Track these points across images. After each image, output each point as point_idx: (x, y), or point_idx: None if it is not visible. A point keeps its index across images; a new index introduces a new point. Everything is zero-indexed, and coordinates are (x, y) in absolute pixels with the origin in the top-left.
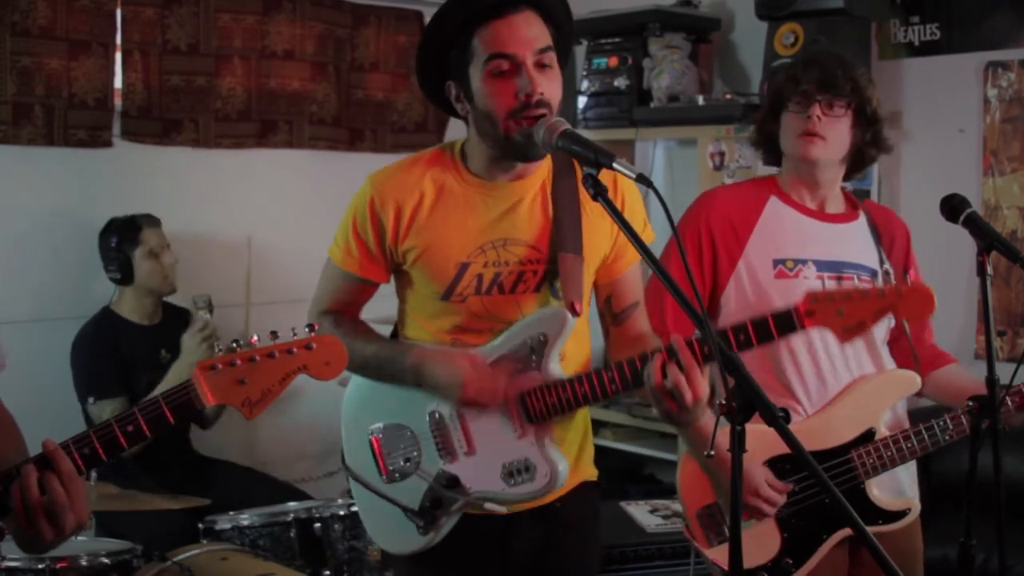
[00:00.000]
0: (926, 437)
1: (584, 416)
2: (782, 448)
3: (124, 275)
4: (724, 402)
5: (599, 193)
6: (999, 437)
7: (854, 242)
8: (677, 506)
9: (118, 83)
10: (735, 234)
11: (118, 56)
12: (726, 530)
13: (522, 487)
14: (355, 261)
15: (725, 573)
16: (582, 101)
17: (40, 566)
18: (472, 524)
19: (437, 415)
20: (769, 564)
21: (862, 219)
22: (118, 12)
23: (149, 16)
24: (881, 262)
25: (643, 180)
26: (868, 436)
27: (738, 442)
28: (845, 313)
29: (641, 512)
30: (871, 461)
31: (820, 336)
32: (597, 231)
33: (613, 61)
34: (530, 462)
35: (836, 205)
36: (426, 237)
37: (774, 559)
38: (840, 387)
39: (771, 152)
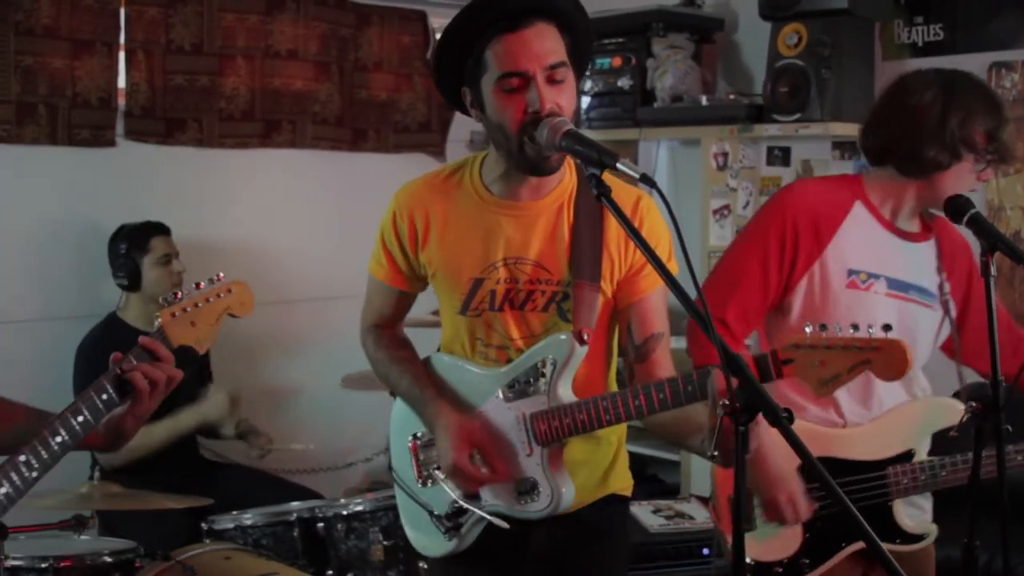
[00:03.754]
0: (960, 466)
1: (617, 431)
2: (824, 450)
3: (132, 282)
4: (727, 403)
5: (603, 193)
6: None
7: (922, 264)
8: (680, 506)
9: (122, 82)
10: (817, 233)
11: (122, 55)
12: (756, 519)
13: (529, 505)
14: (385, 272)
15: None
16: (585, 101)
17: (43, 565)
18: (498, 529)
19: None
20: (786, 561)
21: (932, 241)
22: (122, 11)
23: (153, 15)
24: (941, 288)
25: (647, 180)
26: (906, 456)
27: (742, 443)
28: (820, 364)
29: (644, 512)
30: (906, 481)
31: None
32: (615, 253)
33: (617, 61)
34: (535, 482)
35: (912, 223)
36: (442, 252)
37: (791, 557)
38: (881, 401)
39: (877, 157)
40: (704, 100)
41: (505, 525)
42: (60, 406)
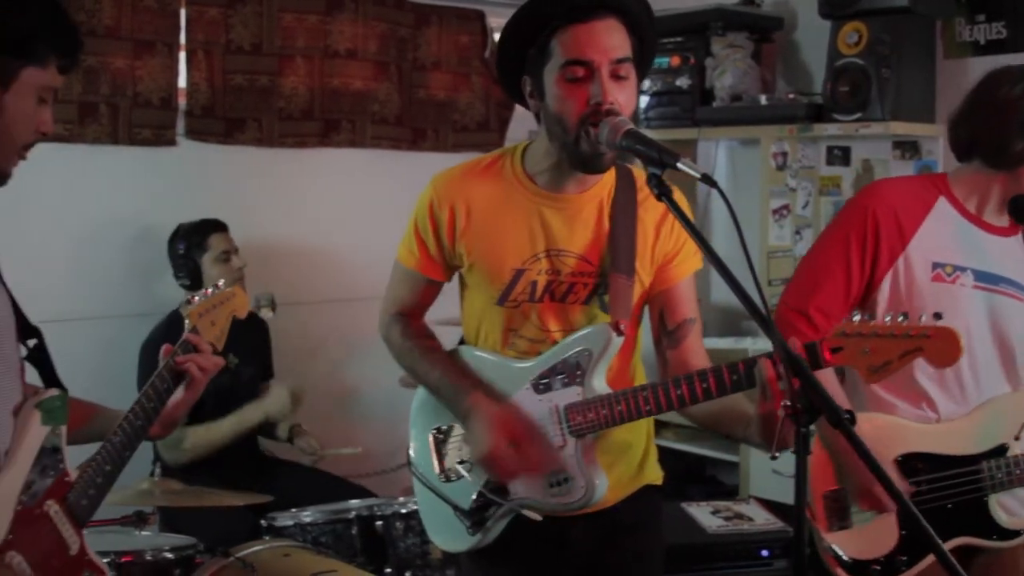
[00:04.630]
0: None
1: (647, 421)
2: (918, 446)
3: (193, 281)
4: (789, 404)
5: (663, 193)
6: None
7: (1012, 257)
8: (739, 507)
9: (182, 82)
10: (899, 229)
11: (182, 56)
12: (851, 516)
13: (560, 497)
14: (416, 259)
15: (841, 560)
16: (644, 101)
17: (105, 561)
18: (526, 525)
19: None
20: (882, 558)
21: (1019, 236)
22: (182, 12)
23: (213, 16)
24: None
25: (707, 180)
26: (1000, 451)
27: (803, 445)
28: (871, 351)
29: (702, 513)
30: (1000, 476)
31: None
32: (652, 242)
33: (675, 60)
34: (568, 474)
35: (999, 218)
36: (482, 242)
37: (888, 554)
38: (979, 395)
39: (964, 151)
40: (763, 99)
41: (538, 517)
42: (120, 402)
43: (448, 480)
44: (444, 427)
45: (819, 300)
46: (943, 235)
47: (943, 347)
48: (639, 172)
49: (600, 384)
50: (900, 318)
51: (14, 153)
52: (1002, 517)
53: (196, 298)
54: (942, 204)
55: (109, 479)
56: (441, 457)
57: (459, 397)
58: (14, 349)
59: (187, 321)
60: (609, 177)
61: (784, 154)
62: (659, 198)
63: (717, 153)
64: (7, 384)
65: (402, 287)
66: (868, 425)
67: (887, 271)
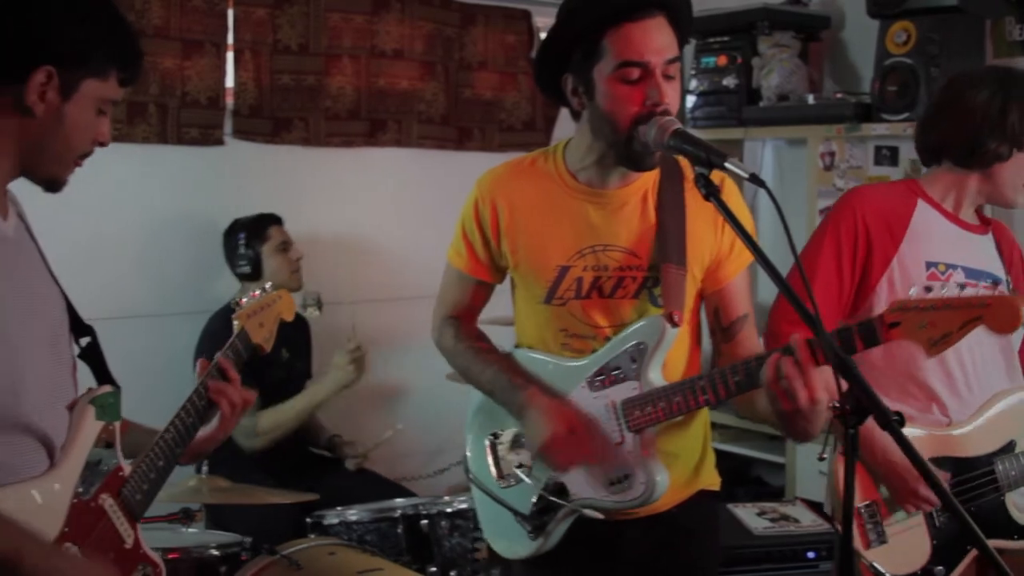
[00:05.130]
0: None
1: (704, 425)
2: (936, 451)
3: (254, 270)
4: (837, 405)
5: (711, 193)
6: None
7: (988, 254)
8: (785, 509)
9: (230, 82)
10: (890, 231)
11: (230, 56)
12: (887, 530)
13: (621, 495)
14: (464, 261)
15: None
16: (691, 100)
17: None
18: (585, 529)
19: None
20: (920, 571)
21: (990, 234)
22: (230, 12)
23: (260, 16)
24: (1007, 277)
25: (756, 180)
26: (1009, 447)
27: (852, 446)
28: (929, 324)
29: (749, 515)
30: (1014, 474)
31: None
32: (701, 239)
33: (722, 60)
34: (628, 470)
35: (971, 216)
36: (526, 239)
37: (925, 566)
38: (982, 393)
39: (933, 155)
40: (810, 99)
41: (600, 515)
42: (176, 399)
43: (507, 485)
44: (500, 431)
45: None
46: (930, 235)
47: (1003, 314)
48: (686, 162)
49: (657, 377)
50: (957, 290)
51: (71, 162)
52: (1019, 516)
53: (244, 301)
54: (922, 206)
55: (162, 474)
56: (498, 462)
57: (514, 393)
58: (67, 347)
59: (236, 323)
60: (653, 170)
61: (832, 154)
62: (707, 198)
63: (764, 153)
64: (62, 381)
65: (453, 289)
66: (886, 440)
67: (882, 275)
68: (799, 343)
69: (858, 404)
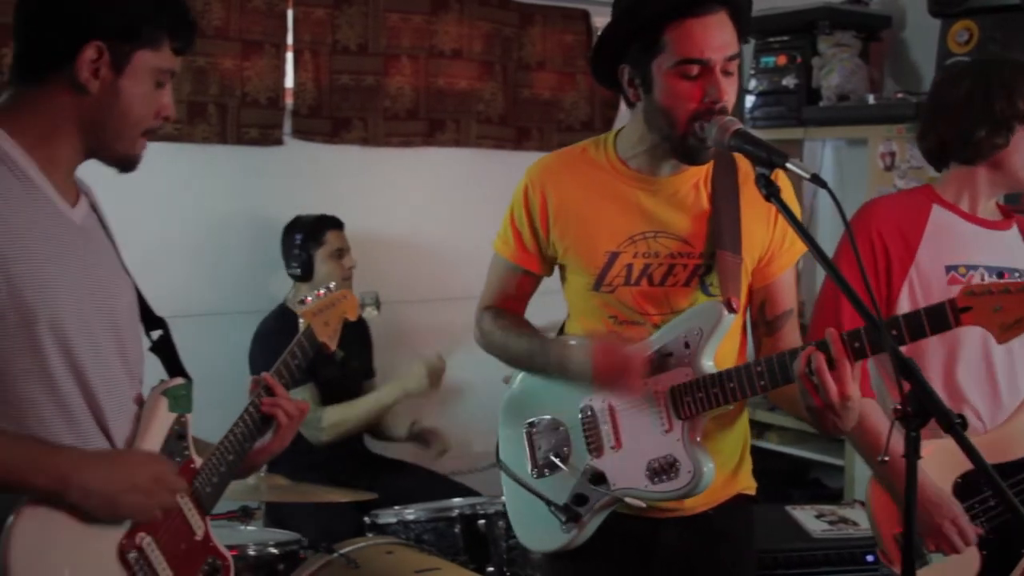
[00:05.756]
0: None
1: (743, 427)
2: (989, 459)
3: (304, 272)
4: (899, 407)
5: (772, 194)
6: None
7: (1015, 249)
8: (844, 511)
9: (289, 82)
10: (905, 241)
11: (289, 56)
12: (926, 552)
13: (665, 484)
14: (511, 250)
15: None
16: (750, 100)
17: None
18: (619, 525)
19: (589, 410)
20: None
21: (1014, 228)
22: (289, 13)
23: (319, 16)
24: None
25: (817, 180)
26: None
27: (913, 448)
28: (1003, 309)
29: (807, 517)
30: None
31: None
32: (754, 231)
33: (782, 60)
34: (675, 459)
35: (992, 212)
36: (576, 226)
37: None
38: (1010, 393)
39: (938, 158)
40: (871, 99)
41: (642, 504)
42: (234, 397)
43: (541, 475)
44: (536, 419)
45: (848, 319)
46: (947, 238)
47: None
48: (738, 154)
49: (709, 364)
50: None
51: (136, 137)
52: None
53: (310, 299)
54: (937, 211)
55: (232, 468)
56: (535, 451)
57: (552, 350)
58: (138, 339)
59: (302, 320)
60: None
61: (892, 154)
62: (767, 199)
63: (823, 153)
64: (135, 371)
65: (498, 278)
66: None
67: (902, 285)
68: (834, 337)
69: (919, 407)
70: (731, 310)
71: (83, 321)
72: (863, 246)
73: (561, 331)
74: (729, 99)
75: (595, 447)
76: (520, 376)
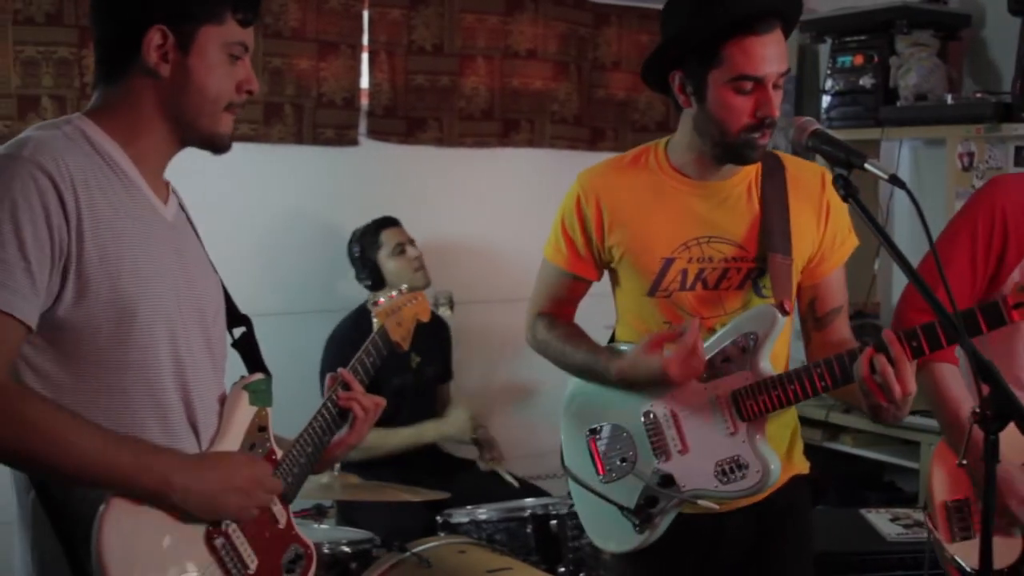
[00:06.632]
0: None
1: (791, 412)
2: None
3: (375, 280)
4: (978, 410)
5: (850, 194)
6: None
7: None
8: (919, 515)
9: (364, 83)
10: None
11: (365, 56)
12: (972, 528)
13: (735, 484)
14: (563, 257)
15: (964, 571)
16: (826, 100)
17: None
18: (686, 522)
19: (652, 415)
20: (1006, 570)
21: None
22: (365, 13)
23: (395, 17)
24: None
25: (896, 181)
26: None
27: (992, 452)
28: None
29: (881, 520)
30: None
31: None
32: (804, 232)
33: (859, 59)
34: (743, 459)
35: None
36: (630, 233)
37: (1013, 564)
38: None
39: None
40: (949, 98)
41: (715, 507)
42: (301, 397)
43: (610, 481)
44: (598, 426)
45: (943, 296)
46: None
47: None
48: (785, 155)
49: (767, 366)
50: None
51: (217, 113)
52: None
53: (382, 300)
54: None
55: (311, 460)
56: (601, 457)
57: (610, 363)
58: (222, 337)
59: (375, 321)
60: (755, 164)
61: (971, 154)
62: (845, 199)
63: (900, 153)
64: (220, 367)
65: (548, 285)
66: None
67: (1015, 265)
68: (891, 339)
69: (999, 410)
70: (784, 312)
71: (179, 316)
72: (983, 219)
73: (612, 338)
74: (777, 112)
75: (661, 451)
76: (575, 383)
